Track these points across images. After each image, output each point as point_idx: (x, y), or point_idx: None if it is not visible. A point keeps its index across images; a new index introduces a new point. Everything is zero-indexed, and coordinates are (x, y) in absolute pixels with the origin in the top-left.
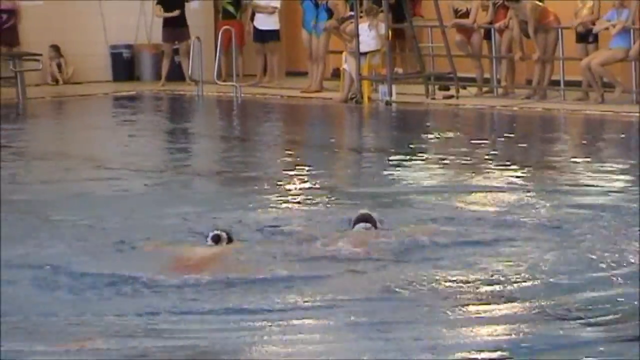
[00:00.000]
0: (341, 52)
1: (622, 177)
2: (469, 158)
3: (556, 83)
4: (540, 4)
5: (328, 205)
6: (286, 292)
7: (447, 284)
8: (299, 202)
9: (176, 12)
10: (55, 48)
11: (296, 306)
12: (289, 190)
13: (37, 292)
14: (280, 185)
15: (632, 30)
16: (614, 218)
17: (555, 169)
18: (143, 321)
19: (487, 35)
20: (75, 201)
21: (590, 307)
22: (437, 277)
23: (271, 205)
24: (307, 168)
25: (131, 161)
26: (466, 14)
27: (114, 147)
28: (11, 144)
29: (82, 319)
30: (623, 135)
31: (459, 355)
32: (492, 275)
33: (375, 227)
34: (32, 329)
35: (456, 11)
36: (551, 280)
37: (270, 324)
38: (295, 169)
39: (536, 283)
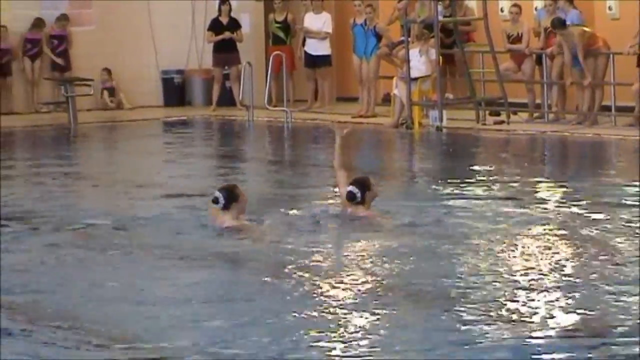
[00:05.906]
0: (392, 78)
1: None
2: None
3: (607, 108)
4: (588, 29)
5: None
6: None
7: None
8: None
9: (227, 34)
10: (108, 71)
11: None
12: None
13: None
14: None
15: None
16: None
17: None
18: None
19: (539, 61)
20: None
21: None
22: None
23: None
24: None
25: (182, 186)
26: (518, 39)
27: (164, 172)
28: (61, 169)
29: None
30: None
31: None
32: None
33: (364, 193)
34: None
35: (509, 36)
36: None
37: None
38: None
39: None
